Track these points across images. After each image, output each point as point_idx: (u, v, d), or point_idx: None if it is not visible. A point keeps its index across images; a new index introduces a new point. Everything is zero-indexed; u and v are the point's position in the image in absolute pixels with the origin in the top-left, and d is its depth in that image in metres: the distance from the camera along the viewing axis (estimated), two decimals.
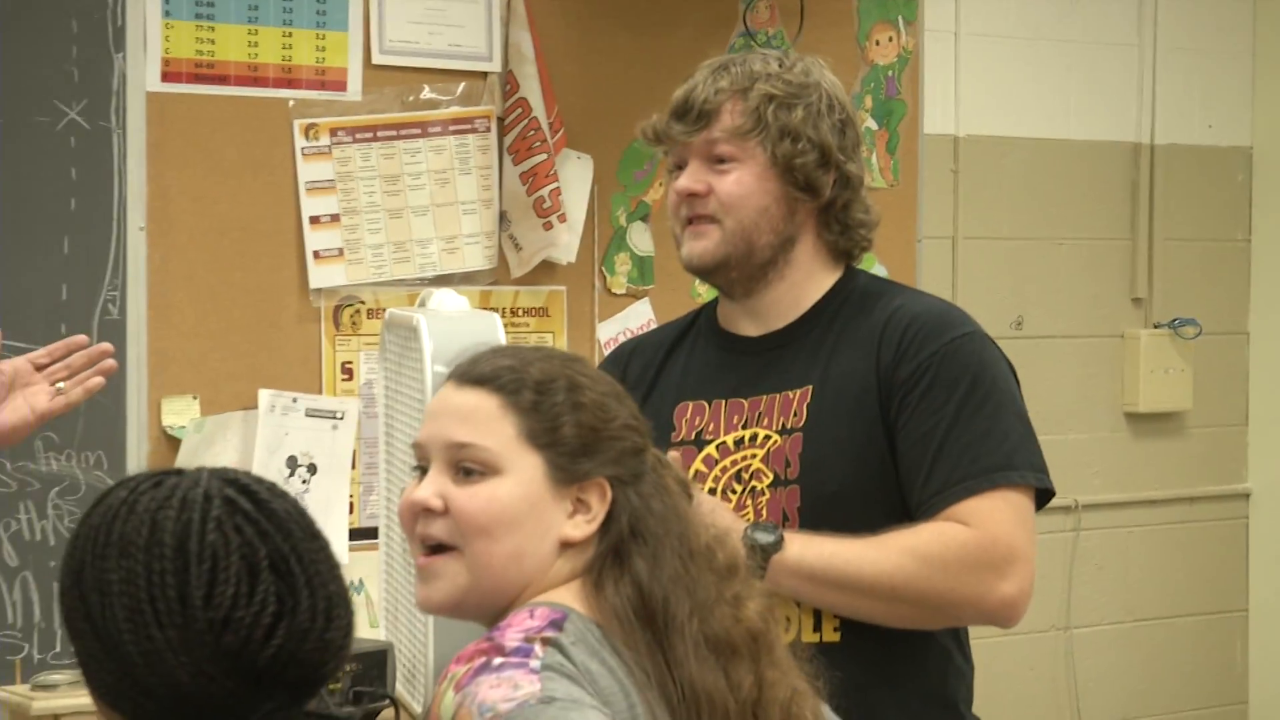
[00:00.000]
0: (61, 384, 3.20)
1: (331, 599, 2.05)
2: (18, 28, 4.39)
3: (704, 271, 3.10)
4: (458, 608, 2.35)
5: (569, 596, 2.29)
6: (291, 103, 4.76)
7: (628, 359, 3.27)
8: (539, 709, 2.08)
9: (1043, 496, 3.05)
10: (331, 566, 2.06)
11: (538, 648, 2.19)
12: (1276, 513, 6.28)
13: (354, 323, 4.84)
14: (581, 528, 2.29)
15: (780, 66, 3.09)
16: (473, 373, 2.35)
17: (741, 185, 3.04)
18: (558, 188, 4.98)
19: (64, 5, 4.44)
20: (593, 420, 2.32)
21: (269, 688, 2.03)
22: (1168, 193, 6.11)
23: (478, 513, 2.29)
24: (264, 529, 2.03)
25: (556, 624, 2.24)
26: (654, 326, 4.80)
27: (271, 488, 2.08)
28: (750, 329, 3.13)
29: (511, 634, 2.22)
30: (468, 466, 2.31)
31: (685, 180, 3.07)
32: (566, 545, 2.30)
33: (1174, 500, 6.17)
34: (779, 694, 2.28)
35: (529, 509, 2.30)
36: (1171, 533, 6.17)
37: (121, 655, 1.99)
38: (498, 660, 2.18)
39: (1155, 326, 6.11)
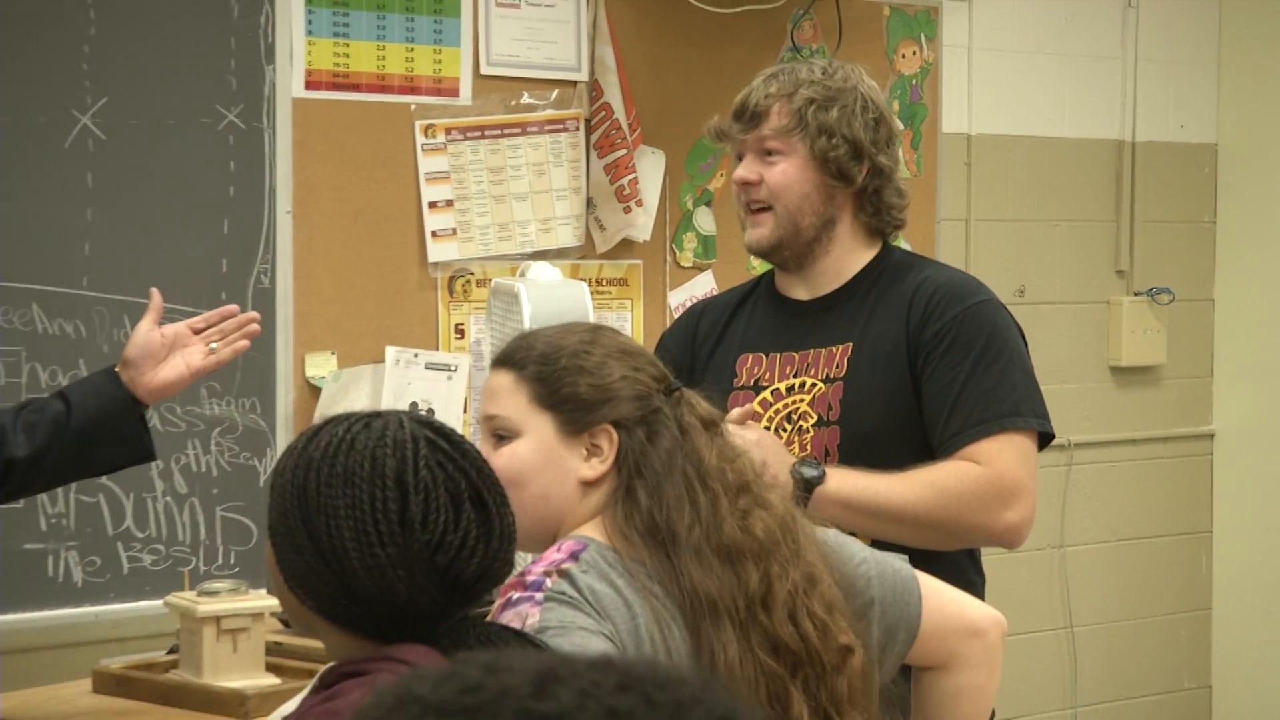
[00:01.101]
0: (215, 345, 3.20)
1: (510, 525, 2.11)
2: (187, 45, 4.38)
3: (762, 253, 3.12)
4: (519, 545, 2.40)
5: (592, 529, 2.35)
6: (413, 106, 4.73)
7: (699, 317, 3.29)
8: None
9: (1044, 439, 3.06)
10: (506, 498, 2.11)
11: (549, 580, 2.26)
12: (1236, 450, 6.25)
13: (465, 290, 4.82)
14: (595, 468, 2.35)
15: (823, 74, 3.10)
16: (498, 357, 2.47)
17: (786, 175, 3.05)
18: (635, 178, 4.96)
19: (224, 25, 4.42)
20: (592, 379, 2.36)
21: (463, 598, 2.09)
22: (1146, 182, 6.07)
23: (503, 468, 2.32)
24: (461, 466, 2.08)
25: (575, 555, 2.30)
26: (716, 294, 4.81)
27: (454, 431, 2.12)
28: (801, 294, 3.14)
29: (537, 568, 2.30)
30: (499, 433, 2.41)
31: (741, 170, 3.10)
32: (587, 484, 2.35)
33: (1151, 440, 6.14)
34: (786, 585, 2.28)
35: (544, 460, 2.37)
36: (1149, 467, 6.14)
37: (345, 569, 2.02)
38: (516, 595, 2.26)
39: (1135, 294, 6.06)
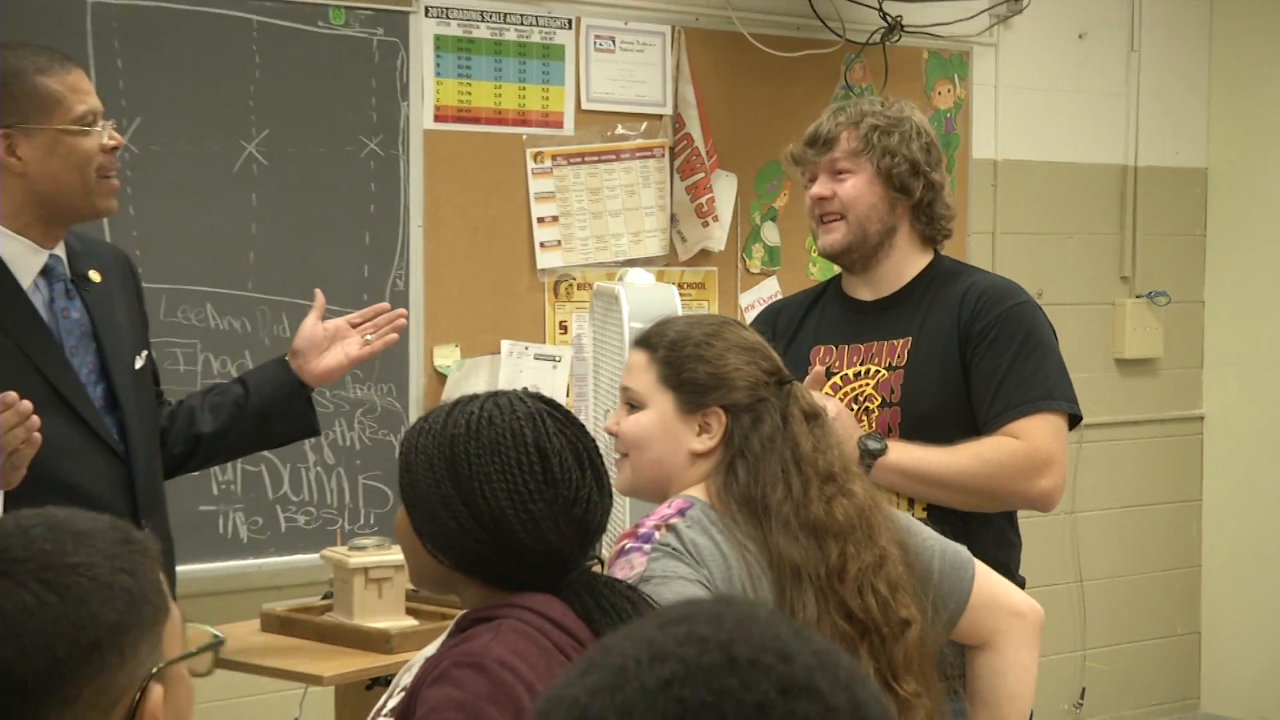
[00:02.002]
0: (369, 337, 3.20)
1: (609, 482, 2.14)
2: (335, 85, 4.40)
3: (834, 255, 3.10)
4: (634, 493, 2.49)
5: (699, 491, 2.34)
6: (524, 136, 4.73)
7: (776, 315, 3.29)
8: (638, 586, 2.18)
9: (1074, 419, 3.04)
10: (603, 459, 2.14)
11: (658, 533, 2.26)
12: (1222, 431, 6.20)
13: (568, 293, 4.81)
14: (705, 443, 2.34)
15: (882, 106, 3.10)
16: (639, 338, 2.46)
17: (856, 189, 3.04)
18: (712, 197, 4.95)
19: (366, 68, 4.44)
20: (710, 368, 2.35)
21: (589, 545, 2.12)
22: (1146, 201, 6.02)
23: (627, 433, 2.39)
24: (577, 433, 2.10)
25: (683, 511, 2.30)
26: (779, 297, 4.82)
27: (560, 404, 2.14)
28: (866, 294, 3.13)
29: (650, 520, 2.31)
30: (631, 402, 2.41)
31: (816, 188, 3.09)
32: (696, 455, 2.35)
33: (1149, 421, 6.09)
34: (858, 564, 2.27)
35: (662, 431, 2.36)
36: (1148, 445, 6.09)
37: (501, 526, 2.03)
38: (629, 545, 2.26)
39: (1137, 296, 6.01)
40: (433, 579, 2.14)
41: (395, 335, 3.22)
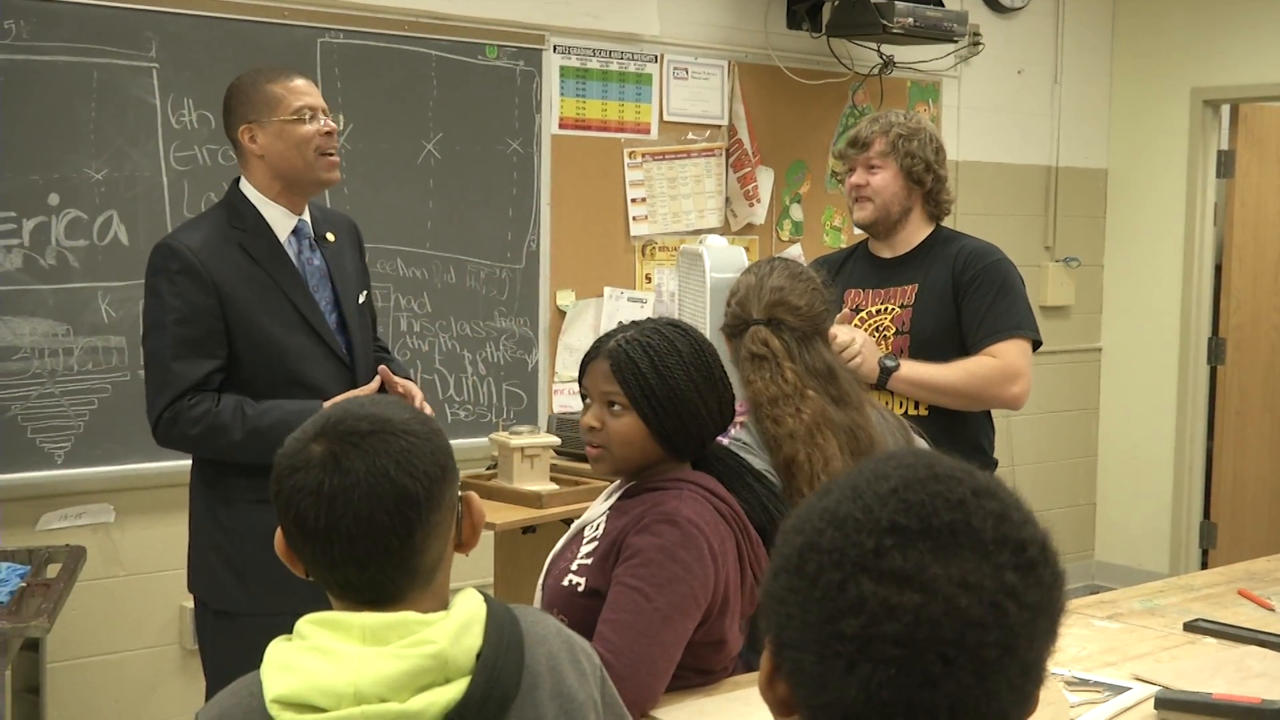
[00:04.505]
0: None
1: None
2: (489, 101, 4.35)
3: (864, 225, 3.04)
4: None
5: None
6: (622, 140, 4.67)
7: (821, 267, 3.21)
8: None
9: (1036, 344, 2.98)
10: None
11: (733, 430, 2.23)
12: (1114, 358, 6.12)
13: (651, 253, 4.76)
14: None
15: (905, 119, 3.02)
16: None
17: (884, 180, 2.97)
18: (756, 185, 4.88)
19: (511, 89, 4.39)
20: (727, 305, 2.36)
21: (728, 425, 2.07)
22: (1064, 191, 5.92)
23: None
24: (709, 346, 2.06)
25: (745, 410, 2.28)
26: (802, 258, 4.75)
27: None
28: (885, 253, 3.07)
29: None
30: None
31: (855, 178, 3.01)
32: None
33: (1064, 351, 6.01)
34: (810, 464, 2.21)
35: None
36: (1061, 368, 6.02)
37: (730, 412, 2.05)
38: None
39: (1056, 261, 5.93)
40: (637, 466, 2.03)
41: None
